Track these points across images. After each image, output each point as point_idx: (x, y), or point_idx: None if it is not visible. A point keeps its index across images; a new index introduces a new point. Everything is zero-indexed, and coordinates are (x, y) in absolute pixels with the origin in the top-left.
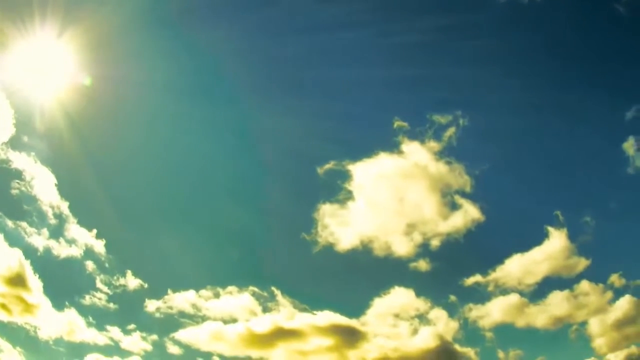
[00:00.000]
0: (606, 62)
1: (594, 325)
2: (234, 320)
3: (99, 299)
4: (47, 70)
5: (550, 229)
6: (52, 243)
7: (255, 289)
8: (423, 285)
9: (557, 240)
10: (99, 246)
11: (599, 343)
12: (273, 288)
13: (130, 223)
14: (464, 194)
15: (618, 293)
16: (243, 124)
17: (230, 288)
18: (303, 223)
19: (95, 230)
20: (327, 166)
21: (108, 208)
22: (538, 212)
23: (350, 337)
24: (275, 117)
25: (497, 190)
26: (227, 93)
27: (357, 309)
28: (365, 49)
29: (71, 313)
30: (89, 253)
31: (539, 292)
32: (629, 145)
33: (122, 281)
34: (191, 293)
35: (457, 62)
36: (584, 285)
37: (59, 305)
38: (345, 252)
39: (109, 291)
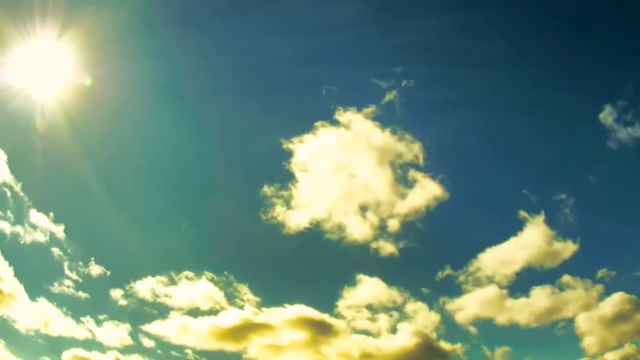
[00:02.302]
0: (580, 20)
1: (582, 322)
2: (200, 311)
3: (68, 286)
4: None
5: (524, 214)
6: (18, 229)
7: (212, 275)
8: (391, 274)
9: (533, 226)
10: (61, 232)
11: (588, 342)
12: (226, 272)
13: (86, 207)
14: (418, 168)
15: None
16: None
17: (186, 273)
18: (252, 206)
19: (52, 214)
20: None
21: (64, 191)
22: (506, 186)
23: (324, 330)
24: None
25: (455, 165)
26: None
27: (323, 299)
28: None
29: (45, 303)
30: (53, 239)
31: (520, 284)
32: (606, 115)
33: (86, 268)
34: (150, 280)
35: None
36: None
37: (32, 293)
38: (298, 234)
39: (78, 278)
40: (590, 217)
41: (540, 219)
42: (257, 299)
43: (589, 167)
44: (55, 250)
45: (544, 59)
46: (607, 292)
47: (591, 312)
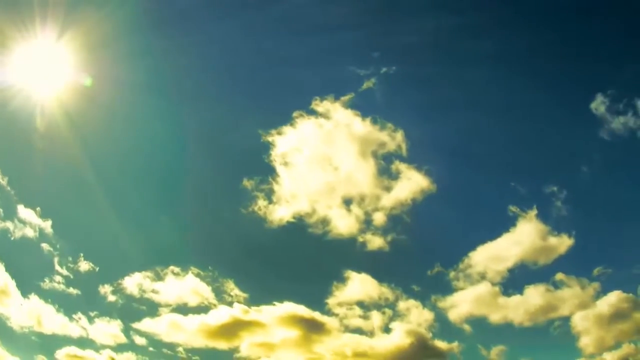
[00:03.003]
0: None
1: (579, 321)
2: (190, 308)
3: (58, 282)
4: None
5: (514, 209)
6: (8, 224)
7: (198, 270)
8: (380, 270)
9: (525, 221)
10: (48, 227)
11: (584, 341)
12: (211, 267)
13: (72, 202)
14: (402, 159)
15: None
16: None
17: (172, 268)
18: (233, 200)
19: (39, 209)
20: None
21: (49, 186)
22: (495, 179)
23: (316, 329)
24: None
25: (441, 156)
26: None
27: (312, 295)
28: None
29: (37, 300)
30: (42, 234)
31: (514, 282)
32: (597, 104)
33: (76, 264)
34: (138, 276)
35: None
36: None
37: (23, 290)
38: (281, 228)
39: (69, 274)
40: (584, 211)
41: (532, 213)
42: (244, 294)
43: (581, 159)
44: (45, 246)
45: (531, 48)
46: (604, 291)
47: (587, 310)
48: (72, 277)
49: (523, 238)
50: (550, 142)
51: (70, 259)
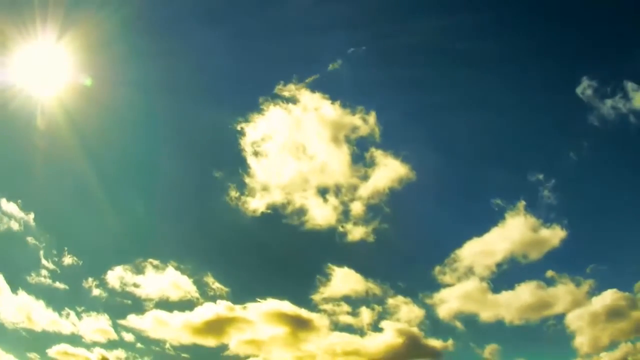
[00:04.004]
0: None
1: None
2: (174, 302)
3: (45, 277)
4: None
5: (498, 202)
6: None
7: (177, 264)
8: (364, 264)
9: (513, 212)
10: (31, 220)
11: (580, 340)
12: (190, 260)
13: (52, 195)
14: (376, 145)
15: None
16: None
17: (152, 261)
18: (206, 193)
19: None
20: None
21: (30, 179)
22: (478, 166)
23: (303, 326)
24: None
25: (418, 142)
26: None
27: (295, 289)
28: None
29: (25, 296)
30: (27, 228)
31: (505, 278)
32: (583, 88)
33: (61, 258)
34: (119, 270)
35: None
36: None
37: (12, 285)
38: (255, 219)
39: (55, 268)
40: (574, 200)
41: (520, 205)
42: (226, 288)
43: (569, 145)
44: (30, 239)
45: (512, 28)
46: (599, 289)
47: (582, 309)
48: (58, 271)
49: (512, 231)
50: (534, 128)
51: (55, 252)
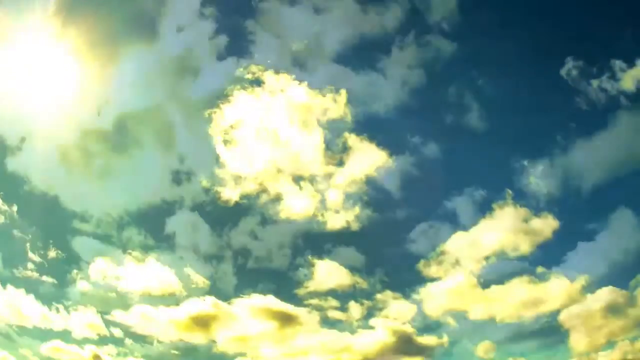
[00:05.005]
0: None
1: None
2: (160, 297)
3: (31, 270)
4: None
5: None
6: None
7: (157, 254)
8: (346, 257)
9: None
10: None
11: (575, 337)
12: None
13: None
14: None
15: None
16: None
17: (133, 252)
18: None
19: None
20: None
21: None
22: (460, 151)
23: (291, 321)
24: None
25: (393, 124)
26: None
27: (281, 282)
28: None
29: (14, 290)
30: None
31: (496, 274)
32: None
33: (46, 251)
34: (101, 262)
35: None
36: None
37: (1, 279)
38: (230, 209)
39: (42, 261)
40: (564, 186)
41: (509, 194)
42: (207, 281)
43: (554, 128)
44: (16, 232)
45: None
46: (596, 286)
47: (577, 305)
48: (46, 265)
49: (501, 222)
50: (521, 112)
51: (40, 244)
